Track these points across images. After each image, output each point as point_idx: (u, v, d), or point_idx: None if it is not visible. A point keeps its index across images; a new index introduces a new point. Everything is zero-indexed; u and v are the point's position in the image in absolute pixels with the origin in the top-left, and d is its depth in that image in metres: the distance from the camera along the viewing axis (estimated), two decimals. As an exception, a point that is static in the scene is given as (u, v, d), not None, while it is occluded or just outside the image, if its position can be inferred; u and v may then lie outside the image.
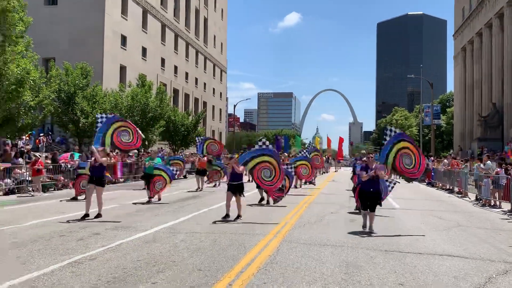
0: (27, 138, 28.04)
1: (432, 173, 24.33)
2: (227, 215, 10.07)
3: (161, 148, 35.85)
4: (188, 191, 17.94)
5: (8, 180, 16.79)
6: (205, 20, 66.75)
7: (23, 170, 17.33)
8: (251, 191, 15.15)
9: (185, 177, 27.22)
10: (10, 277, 5.33)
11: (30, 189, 16.77)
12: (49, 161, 19.51)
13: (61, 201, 14.01)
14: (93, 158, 10.83)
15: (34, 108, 20.60)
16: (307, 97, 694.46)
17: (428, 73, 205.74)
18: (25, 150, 22.29)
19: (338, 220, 10.54)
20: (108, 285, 5.07)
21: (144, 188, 16.60)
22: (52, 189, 18.27)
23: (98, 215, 10.23)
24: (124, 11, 42.50)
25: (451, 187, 20.63)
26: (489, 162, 15.94)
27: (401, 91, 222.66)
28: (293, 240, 7.92)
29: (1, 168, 16.67)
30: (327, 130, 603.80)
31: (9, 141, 23.70)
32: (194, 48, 61.86)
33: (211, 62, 69.45)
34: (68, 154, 21.81)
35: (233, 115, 79.58)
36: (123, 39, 42.65)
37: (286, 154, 25.05)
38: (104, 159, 10.63)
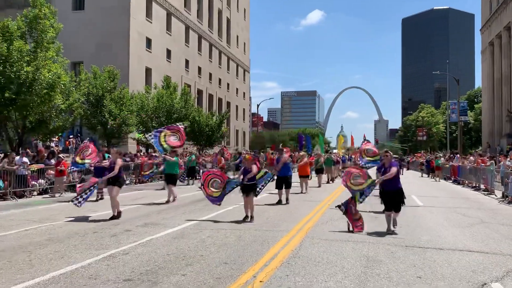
0: (57, 140, 29.08)
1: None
2: (246, 217, 9.95)
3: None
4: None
5: (42, 180, 17.54)
6: (228, 20, 67.33)
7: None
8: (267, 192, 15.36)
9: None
10: (50, 270, 5.77)
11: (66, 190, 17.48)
12: (80, 162, 20.21)
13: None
14: (107, 161, 11.07)
15: (65, 111, 21.37)
16: (331, 95, 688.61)
17: (455, 69, 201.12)
18: (56, 152, 23.19)
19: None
20: (141, 276, 5.44)
21: (163, 188, 17.03)
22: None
23: (119, 214, 10.30)
24: (148, 14, 43.41)
25: (477, 185, 20.39)
26: (515, 158, 15.74)
27: (427, 87, 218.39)
28: (316, 236, 8.16)
29: (35, 169, 17.42)
30: (351, 128, 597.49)
31: (40, 143, 24.66)
32: (217, 49, 62.52)
33: (234, 62, 70.03)
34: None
35: (256, 115, 79.96)
36: (148, 42, 43.58)
37: (309, 153, 25.14)
38: (119, 160, 10.58)
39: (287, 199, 13.55)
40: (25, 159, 16.96)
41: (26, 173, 16.51)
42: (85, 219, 10.23)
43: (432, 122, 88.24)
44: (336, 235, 8.34)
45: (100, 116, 26.50)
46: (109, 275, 5.49)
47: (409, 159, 53.01)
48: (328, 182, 22.48)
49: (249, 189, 9.97)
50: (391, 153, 9.55)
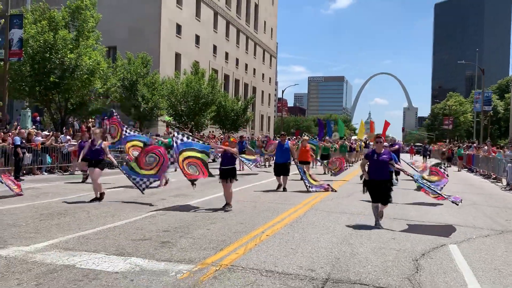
0: (93, 121, 31.29)
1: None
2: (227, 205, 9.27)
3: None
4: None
5: (83, 157, 19.53)
6: (256, 6, 68.25)
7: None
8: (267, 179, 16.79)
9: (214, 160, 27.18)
10: (106, 223, 7.45)
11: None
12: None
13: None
14: (90, 141, 10.60)
15: (103, 94, 23.33)
16: (359, 80, 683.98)
17: (490, 56, 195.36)
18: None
19: (365, 197, 12.00)
20: (176, 229, 7.07)
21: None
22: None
23: (96, 199, 9.88)
24: (179, 0, 44.96)
25: (488, 173, 21.30)
26: (519, 148, 16.69)
27: (459, 75, 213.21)
28: (319, 208, 9.65)
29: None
30: (380, 115, 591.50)
31: (76, 124, 26.70)
32: (244, 35, 63.72)
33: (261, 48, 71.09)
34: (132, 135, 24.41)
35: (281, 100, 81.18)
36: (178, 28, 45.23)
37: (327, 138, 26.07)
38: (106, 142, 10.28)
39: (284, 188, 12.84)
40: (69, 138, 18.96)
41: (70, 150, 18.50)
42: (123, 190, 11.98)
43: (459, 111, 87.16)
44: (337, 208, 9.79)
45: (133, 100, 28.43)
46: (151, 228, 7.15)
47: (432, 148, 53.26)
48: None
49: (227, 174, 9.20)
50: (383, 139, 8.93)
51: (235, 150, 9.32)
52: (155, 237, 6.51)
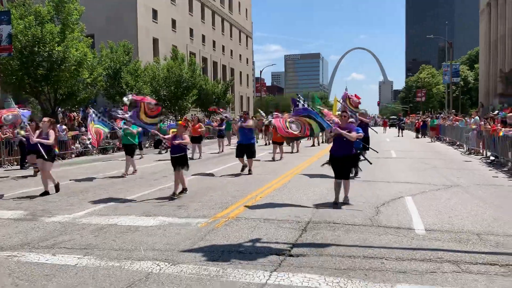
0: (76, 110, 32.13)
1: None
2: (174, 194, 8.65)
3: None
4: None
5: (78, 145, 20.72)
6: (230, -13, 68.66)
7: (87, 136, 21.15)
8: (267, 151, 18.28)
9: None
10: (126, 196, 8.89)
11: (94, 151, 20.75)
12: (106, 128, 23.33)
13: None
14: (37, 131, 9.94)
15: (91, 84, 24.27)
16: (335, 57, 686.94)
17: (461, 27, 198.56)
18: (77, 119, 26.20)
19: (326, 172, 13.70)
20: (185, 197, 8.59)
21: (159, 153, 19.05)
22: (111, 151, 22.17)
23: (46, 193, 9.22)
24: (154, -14, 45.35)
25: (453, 141, 23.32)
26: (477, 117, 18.62)
27: (432, 47, 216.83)
28: (302, 176, 11.31)
29: (71, 135, 20.55)
30: (357, 90, 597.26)
31: (60, 113, 27.49)
32: (220, 16, 64.30)
33: (236, 29, 71.77)
34: (120, 121, 25.52)
35: (259, 80, 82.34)
36: (154, 13, 45.75)
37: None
38: (52, 131, 9.54)
39: (249, 170, 12.14)
40: (64, 127, 20.07)
41: (66, 138, 19.68)
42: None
43: (432, 83, 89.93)
44: (317, 175, 11.41)
45: (118, 87, 29.41)
46: (165, 197, 8.63)
47: (405, 120, 55.60)
48: (313, 146, 22.90)
49: (179, 162, 8.67)
50: (349, 114, 8.72)
51: (187, 140, 8.86)
52: (170, 203, 8.01)
